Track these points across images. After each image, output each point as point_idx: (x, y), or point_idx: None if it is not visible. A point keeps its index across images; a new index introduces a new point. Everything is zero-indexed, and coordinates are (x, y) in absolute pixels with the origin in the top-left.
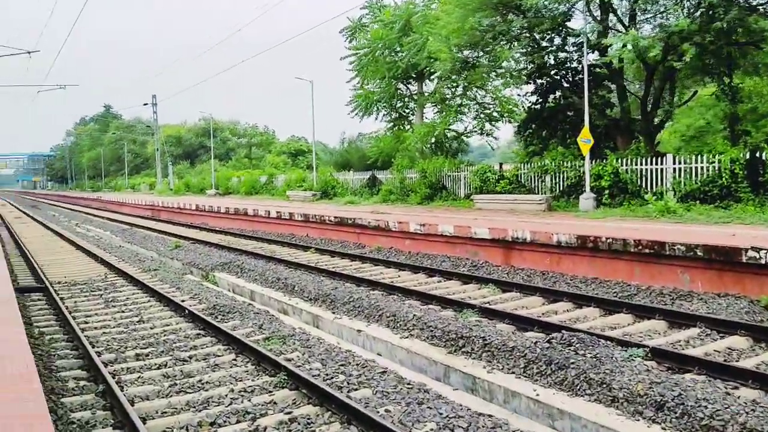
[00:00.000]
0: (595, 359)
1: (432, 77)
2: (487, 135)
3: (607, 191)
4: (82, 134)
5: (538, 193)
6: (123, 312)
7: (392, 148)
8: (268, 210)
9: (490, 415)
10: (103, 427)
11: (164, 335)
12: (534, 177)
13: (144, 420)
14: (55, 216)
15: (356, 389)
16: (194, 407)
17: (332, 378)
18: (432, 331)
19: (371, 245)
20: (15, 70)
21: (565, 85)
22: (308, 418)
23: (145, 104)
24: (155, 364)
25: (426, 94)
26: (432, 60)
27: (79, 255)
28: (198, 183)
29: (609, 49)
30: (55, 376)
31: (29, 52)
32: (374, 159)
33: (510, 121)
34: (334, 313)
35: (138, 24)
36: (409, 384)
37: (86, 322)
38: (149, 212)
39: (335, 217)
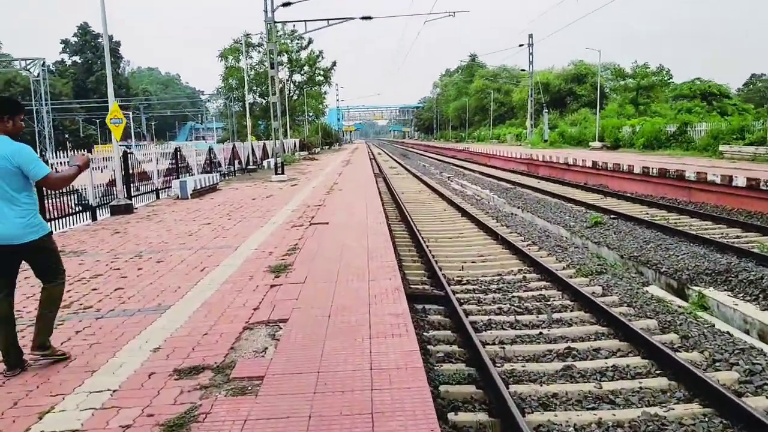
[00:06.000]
0: None
1: None
2: None
3: None
4: (448, 85)
5: None
6: (609, 399)
7: None
8: (732, 175)
9: None
10: None
11: None
12: None
13: None
14: (425, 167)
15: None
16: None
17: None
18: None
19: None
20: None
21: None
22: None
23: (520, 45)
24: None
25: None
26: None
27: (466, 225)
28: (576, 133)
29: None
30: None
31: None
32: None
33: None
34: None
35: None
36: None
37: (541, 415)
38: (524, 167)
39: None
